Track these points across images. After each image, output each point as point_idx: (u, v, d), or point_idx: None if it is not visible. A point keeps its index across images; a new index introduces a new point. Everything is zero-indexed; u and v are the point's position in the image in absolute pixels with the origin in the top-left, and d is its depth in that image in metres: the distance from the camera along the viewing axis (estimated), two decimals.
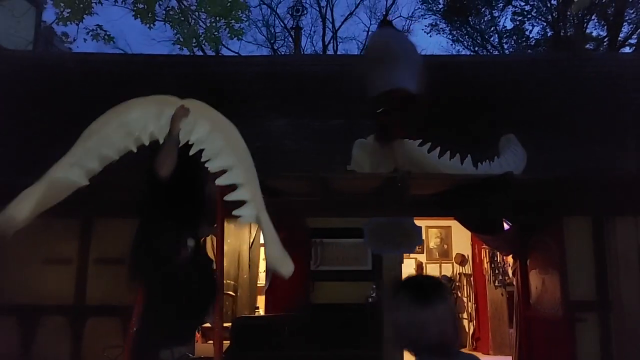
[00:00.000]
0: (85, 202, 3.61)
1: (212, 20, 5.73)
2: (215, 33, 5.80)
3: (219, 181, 3.01)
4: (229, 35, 6.07)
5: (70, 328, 5.18)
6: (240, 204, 3.01)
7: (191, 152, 3.01)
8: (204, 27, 5.84)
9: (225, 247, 7.25)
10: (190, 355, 3.47)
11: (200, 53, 11.74)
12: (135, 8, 5.32)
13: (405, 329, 1.65)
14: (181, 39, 5.59)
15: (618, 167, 5.70)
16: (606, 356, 5.11)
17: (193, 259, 3.11)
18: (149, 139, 3.11)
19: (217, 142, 3.00)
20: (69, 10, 5.31)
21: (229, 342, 4.94)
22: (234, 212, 3.00)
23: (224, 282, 7.16)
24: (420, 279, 1.83)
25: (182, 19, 5.45)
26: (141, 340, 3.01)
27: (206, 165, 3.02)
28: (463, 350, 8.52)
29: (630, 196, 4.65)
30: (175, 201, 3.06)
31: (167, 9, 5.59)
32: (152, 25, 5.46)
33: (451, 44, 18.38)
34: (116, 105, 3.15)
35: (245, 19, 5.93)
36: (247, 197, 2.96)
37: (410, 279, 1.80)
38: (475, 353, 8.33)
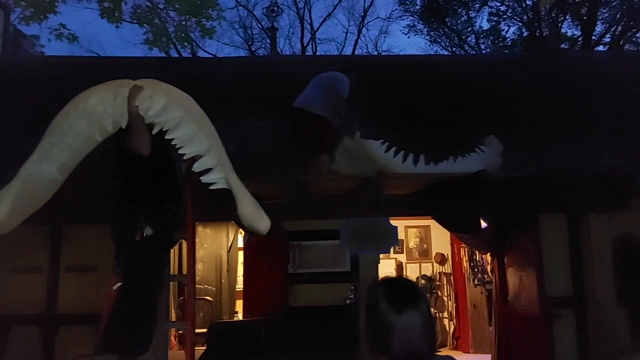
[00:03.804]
0: (55, 209, 3.54)
1: (182, 19, 5.65)
2: (185, 32, 5.71)
3: (183, 150, 2.97)
4: (200, 34, 6.00)
5: (42, 337, 5.05)
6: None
7: (154, 131, 2.98)
8: (174, 26, 5.76)
9: (203, 252, 7.21)
10: None
11: (176, 55, 11.64)
12: (101, 7, 5.21)
13: (377, 334, 1.58)
14: (150, 38, 5.50)
15: (594, 164, 5.75)
16: (583, 352, 5.15)
17: (149, 248, 3.06)
18: (112, 125, 3.09)
19: (176, 113, 2.97)
20: (32, 9, 5.17)
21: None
22: (202, 179, 2.98)
23: (202, 287, 7.14)
24: (398, 283, 1.72)
25: (151, 17, 5.35)
26: (105, 345, 2.97)
27: (169, 136, 2.98)
28: (443, 349, 8.59)
29: (603, 193, 4.69)
30: (141, 184, 3.06)
31: (135, 7, 5.50)
32: (118, 24, 5.37)
33: (429, 45, 18.53)
34: (74, 97, 3.13)
35: (216, 18, 5.84)
36: (213, 163, 2.94)
37: (387, 281, 1.70)
38: (455, 352, 8.38)
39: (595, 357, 5.05)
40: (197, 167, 2.97)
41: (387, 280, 1.72)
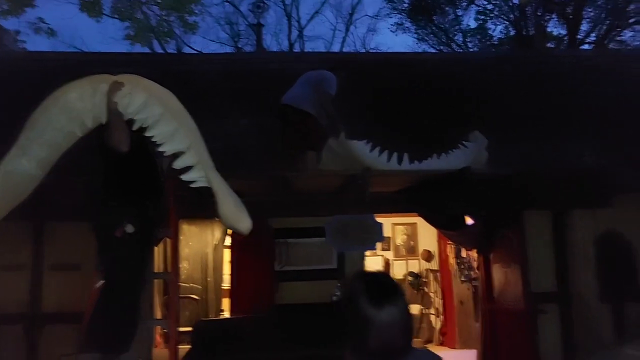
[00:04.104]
0: (37, 205, 3.50)
1: (164, 14, 5.58)
2: (169, 27, 5.64)
3: (163, 148, 2.94)
4: (183, 29, 5.93)
5: (26, 336, 5.00)
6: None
7: (134, 128, 2.94)
8: (156, 21, 5.68)
9: (188, 250, 7.15)
10: None
11: (161, 51, 11.55)
12: (81, 1, 5.12)
13: (355, 328, 1.57)
14: (132, 34, 5.43)
15: (578, 161, 5.79)
16: (567, 346, 5.20)
17: (130, 245, 3.03)
18: (91, 121, 3.05)
19: (156, 110, 2.93)
20: (9, 3, 5.07)
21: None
22: (182, 177, 2.94)
23: (188, 285, 7.10)
24: (377, 278, 1.71)
25: (132, 12, 5.28)
26: (87, 343, 2.94)
27: (148, 133, 2.94)
28: (430, 345, 8.60)
29: (587, 190, 4.74)
30: (121, 181, 3.03)
31: (115, 1, 5.41)
32: (99, 18, 5.29)
33: (417, 43, 18.58)
34: (53, 92, 3.09)
35: (199, 13, 5.78)
36: (194, 161, 2.90)
37: (366, 276, 1.71)
38: (442, 347, 8.41)
39: (579, 352, 5.10)
40: (177, 164, 2.95)
41: (366, 275, 1.73)
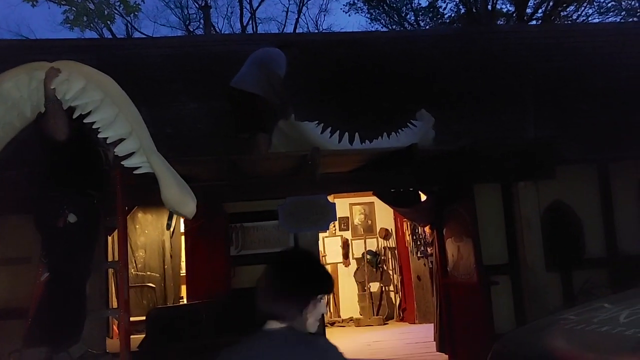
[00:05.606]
0: None
1: None
2: (110, 10, 5.43)
3: (104, 134, 2.87)
4: (124, 11, 5.72)
5: None
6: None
7: (74, 115, 2.87)
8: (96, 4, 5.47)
9: (144, 239, 7.06)
10: (94, 351, 3.33)
11: (110, 37, 11.19)
12: None
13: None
14: (70, 18, 5.22)
15: (525, 135, 5.94)
16: (519, 316, 5.37)
17: (73, 235, 2.97)
18: (30, 110, 2.96)
19: (95, 95, 2.86)
20: None
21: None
22: (124, 163, 2.89)
23: (145, 274, 7.01)
24: (287, 253, 1.83)
25: None
26: (33, 337, 2.88)
27: (88, 120, 2.87)
28: (390, 322, 8.73)
29: (530, 162, 4.86)
30: (63, 171, 2.96)
31: None
32: (35, 2, 5.07)
33: (369, 23, 18.59)
34: None
35: None
36: (136, 146, 2.85)
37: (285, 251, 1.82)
38: (402, 323, 8.61)
39: (529, 321, 5.27)
40: (119, 150, 2.88)
41: (288, 250, 1.83)
